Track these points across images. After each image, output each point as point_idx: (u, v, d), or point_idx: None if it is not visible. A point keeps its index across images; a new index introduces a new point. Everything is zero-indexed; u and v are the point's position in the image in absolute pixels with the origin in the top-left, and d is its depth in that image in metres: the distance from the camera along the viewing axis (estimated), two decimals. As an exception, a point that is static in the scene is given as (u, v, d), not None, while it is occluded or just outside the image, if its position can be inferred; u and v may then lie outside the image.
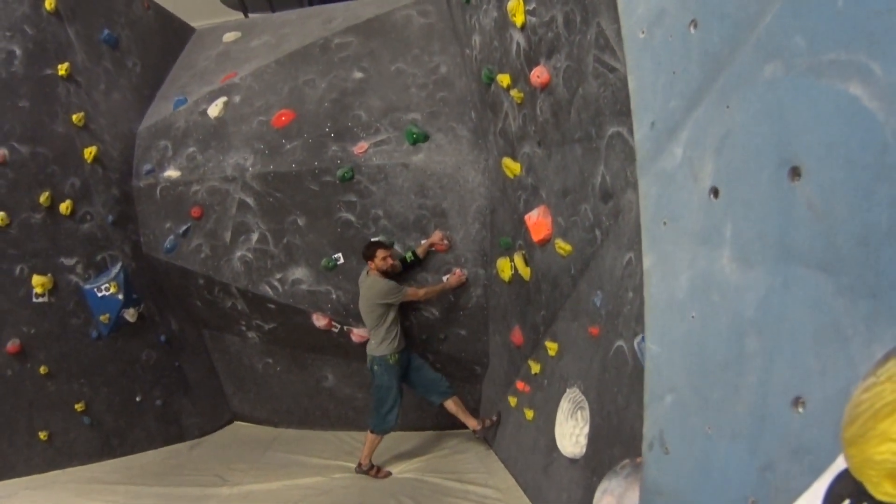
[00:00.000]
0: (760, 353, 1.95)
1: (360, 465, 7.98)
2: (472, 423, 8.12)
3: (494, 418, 8.06)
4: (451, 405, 8.12)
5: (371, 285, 7.74)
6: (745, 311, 1.99)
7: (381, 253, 7.73)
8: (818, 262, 1.76)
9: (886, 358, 1.57)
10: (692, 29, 2.16)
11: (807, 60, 1.76)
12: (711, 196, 2.09)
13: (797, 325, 1.83)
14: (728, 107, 2.02)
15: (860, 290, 1.64)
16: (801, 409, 1.84)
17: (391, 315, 7.76)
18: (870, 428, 1.56)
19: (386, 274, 7.79)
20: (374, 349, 7.86)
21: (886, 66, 1.56)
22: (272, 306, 8.77)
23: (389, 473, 7.97)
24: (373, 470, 7.94)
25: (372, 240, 8.10)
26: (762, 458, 1.99)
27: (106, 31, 8.92)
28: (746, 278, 1.99)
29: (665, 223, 2.24)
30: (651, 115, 2.30)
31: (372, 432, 7.98)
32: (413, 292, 7.77)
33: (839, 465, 1.68)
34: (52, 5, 8.10)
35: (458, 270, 8.08)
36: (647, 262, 2.31)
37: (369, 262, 7.81)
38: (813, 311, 1.78)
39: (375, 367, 7.88)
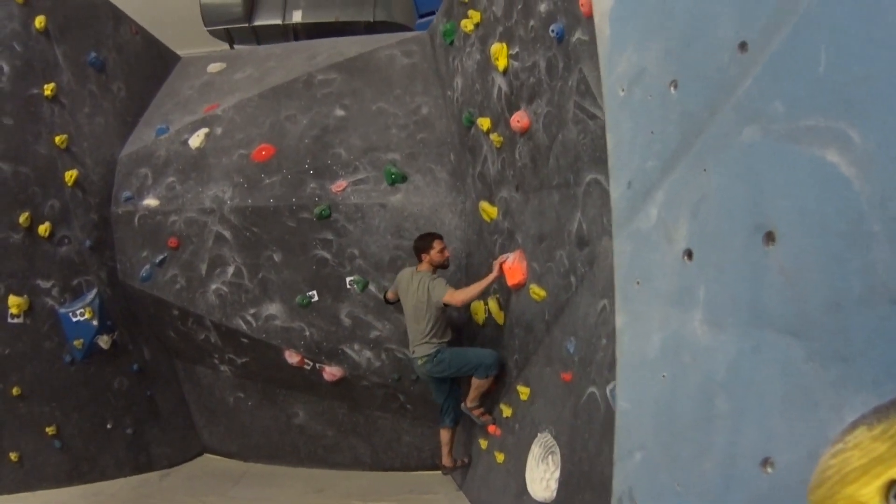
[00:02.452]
0: (730, 415, 1.95)
1: (473, 411, 7.62)
2: (447, 459, 7.96)
3: (466, 460, 7.98)
4: (446, 433, 7.90)
5: (422, 281, 7.34)
6: (716, 373, 1.98)
7: (437, 244, 7.39)
8: (789, 326, 1.75)
9: (855, 425, 1.58)
10: (672, 89, 2.16)
11: (785, 126, 1.77)
12: (685, 258, 2.09)
13: (767, 388, 1.83)
14: (705, 170, 2.02)
15: (830, 356, 1.64)
16: (769, 470, 1.83)
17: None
18: (837, 492, 1.58)
19: (442, 267, 7.47)
20: (424, 350, 7.41)
21: (865, 133, 1.57)
22: (245, 341, 8.71)
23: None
24: (479, 408, 7.62)
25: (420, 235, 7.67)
26: (730, 517, 1.98)
27: (93, 54, 8.90)
28: (717, 341, 1.98)
29: (638, 283, 2.24)
30: (628, 174, 2.30)
31: (482, 378, 7.42)
32: (458, 294, 7.18)
33: None
34: (42, 24, 8.10)
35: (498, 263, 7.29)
36: (620, 320, 2.30)
37: (423, 255, 7.45)
38: (783, 375, 1.78)
39: (436, 359, 7.38)
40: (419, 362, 7.45)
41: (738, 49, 1.92)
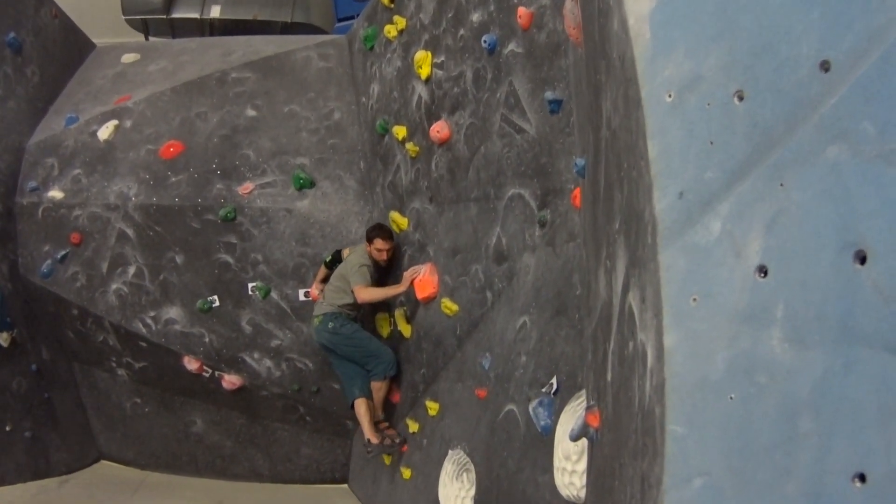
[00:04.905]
0: (816, 433, 1.94)
1: (378, 425, 7.46)
2: (370, 433, 7.36)
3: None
4: (361, 404, 7.45)
5: (356, 257, 7.35)
6: (799, 392, 1.97)
7: (378, 243, 7.29)
8: (884, 343, 1.79)
9: None
10: (737, 100, 2.12)
11: (876, 147, 1.80)
12: (758, 274, 2.05)
13: (859, 404, 1.85)
14: (782, 184, 2.01)
15: None
16: (861, 485, 1.86)
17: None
18: None
19: (376, 263, 7.39)
20: (326, 307, 7.37)
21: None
22: (144, 344, 8.49)
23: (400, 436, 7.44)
24: (384, 422, 7.51)
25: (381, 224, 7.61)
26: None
27: (11, 34, 8.59)
28: (801, 359, 1.97)
29: (695, 299, 2.15)
30: (679, 184, 2.22)
31: (381, 380, 7.40)
32: (364, 291, 7.19)
33: None
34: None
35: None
36: (670, 340, 2.20)
37: (367, 244, 7.36)
38: (878, 391, 1.81)
39: (331, 325, 7.31)
40: (315, 322, 7.43)
41: (818, 67, 1.93)
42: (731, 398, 2.07)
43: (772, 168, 2.03)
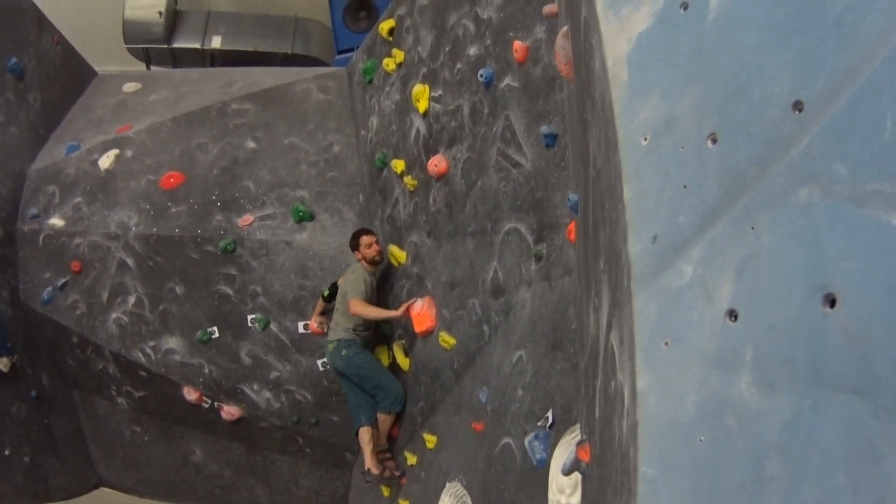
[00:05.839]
0: (784, 475, 1.93)
1: (381, 453, 7.42)
2: (371, 462, 7.33)
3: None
4: (366, 433, 7.42)
5: (352, 272, 7.36)
6: (767, 435, 1.96)
7: (365, 239, 7.34)
8: (852, 385, 1.77)
9: None
10: (710, 143, 2.12)
11: (847, 188, 1.78)
12: (728, 318, 2.04)
13: (827, 446, 1.84)
14: (753, 228, 2.00)
15: None
16: None
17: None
18: None
19: (373, 264, 7.40)
20: (340, 332, 7.34)
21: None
22: (143, 374, 8.49)
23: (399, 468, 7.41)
24: (386, 453, 7.48)
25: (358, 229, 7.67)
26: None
27: (13, 60, 8.65)
28: (770, 402, 1.96)
29: (667, 343, 2.16)
30: (653, 228, 2.23)
31: (387, 413, 7.40)
32: (358, 304, 7.13)
33: None
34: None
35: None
36: (642, 382, 2.21)
37: (356, 253, 7.39)
38: (845, 433, 1.80)
39: (344, 352, 7.29)
40: (329, 347, 7.41)
41: (791, 107, 1.91)
42: (700, 440, 2.09)
43: (743, 211, 2.04)
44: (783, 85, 1.95)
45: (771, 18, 1.97)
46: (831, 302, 1.81)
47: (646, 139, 2.27)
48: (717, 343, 2.07)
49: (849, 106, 1.78)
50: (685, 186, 2.18)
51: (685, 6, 2.20)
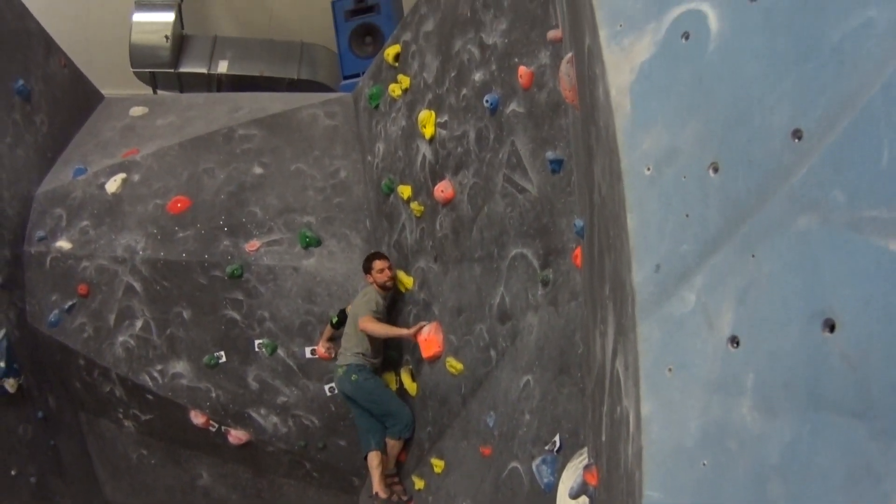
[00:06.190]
0: (785, 497, 1.94)
1: (389, 477, 7.43)
2: (379, 486, 7.32)
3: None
4: (374, 457, 7.42)
5: (363, 294, 7.43)
6: (768, 458, 1.97)
7: (378, 264, 7.38)
8: (851, 409, 1.78)
9: None
10: (711, 172, 2.13)
11: (845, 215, 1.79)
12: (730, 345, 2.06)
13: (827, 468, 1.85)
14: (753, 255, 2.02)
15: (895, 433, 1.70)
16: None
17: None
18: None
19: (384, 289, 7.42)
20: (350, 357, 7.35)
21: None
22: (150, 397, 8.48)
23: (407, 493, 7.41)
24: (394, 476, 7.50)
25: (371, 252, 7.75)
26: None
27: (20, 82, 8.67)
28: (771, 426, 1.97)
29: (671, 370, 2.19)
30: (656, 257, 2.26)
31: (396, 439, 7.42)
32: (369, 321, 7.16)
33: None
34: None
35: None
36: (647, 408, 2.24)
37: (367, 277, 7.46)
38: (844, 455, 1.81)
39: (354, 377, 7.29)
40: (339, 371, 7.41)
41: (791, 136, 1.92)
42: (703, 464, 2.11)
43: (744, 239, 2.05)
44: (783, 114, 1.96)
45: (770, 48, 1.98)
46: (830, 327, 1.82)
47: (649, 169, 2.29)
48: (720, 369, 2.09)
49: (847, 133, 1.80)
50: (687, 215, 2.20)
51: (686, 36, 2.22)
